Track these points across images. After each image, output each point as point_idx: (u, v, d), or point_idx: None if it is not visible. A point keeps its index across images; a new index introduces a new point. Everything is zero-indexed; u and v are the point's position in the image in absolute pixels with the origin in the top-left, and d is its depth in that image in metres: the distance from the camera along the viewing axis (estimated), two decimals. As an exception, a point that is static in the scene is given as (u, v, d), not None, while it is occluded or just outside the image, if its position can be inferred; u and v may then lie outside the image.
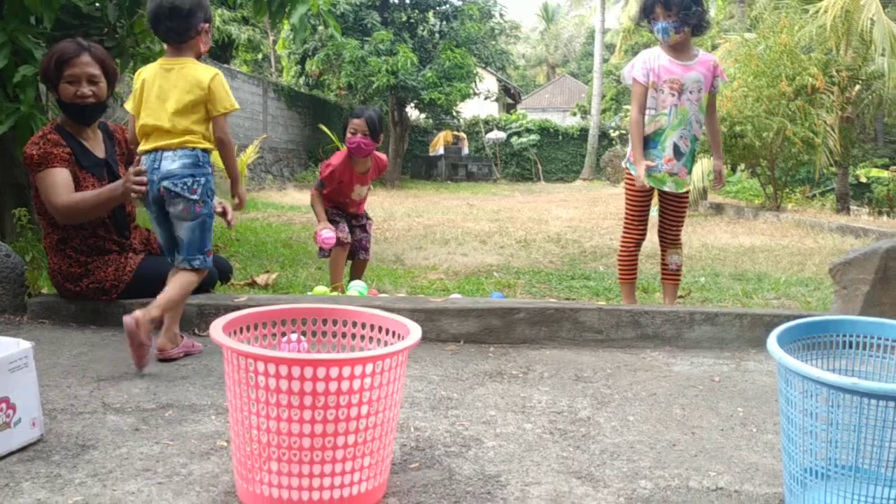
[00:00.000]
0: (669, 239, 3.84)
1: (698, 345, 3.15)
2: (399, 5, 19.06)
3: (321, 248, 4.08)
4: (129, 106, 2.78)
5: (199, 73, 2.69)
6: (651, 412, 2.36)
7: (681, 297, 4.10)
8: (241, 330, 1.85)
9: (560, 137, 27.61)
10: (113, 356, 2.79)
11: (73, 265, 3.15)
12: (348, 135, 4.00)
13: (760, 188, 12.34)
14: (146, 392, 2.41)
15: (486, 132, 26.75)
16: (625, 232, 3.85)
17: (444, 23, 19.79)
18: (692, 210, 12.31)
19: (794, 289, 4.67)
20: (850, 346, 1.87)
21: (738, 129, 10.07)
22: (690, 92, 3.61)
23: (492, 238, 7.57)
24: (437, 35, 19.74)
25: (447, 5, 19.57)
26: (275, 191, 15.13)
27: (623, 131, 23.79)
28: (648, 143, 3.69)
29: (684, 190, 3.74)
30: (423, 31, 19.61)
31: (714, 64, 3.69)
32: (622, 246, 3.86)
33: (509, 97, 36.06)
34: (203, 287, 3.14)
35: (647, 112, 3.68)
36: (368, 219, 4.37)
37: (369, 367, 1.60)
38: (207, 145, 2.75)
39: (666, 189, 3.70)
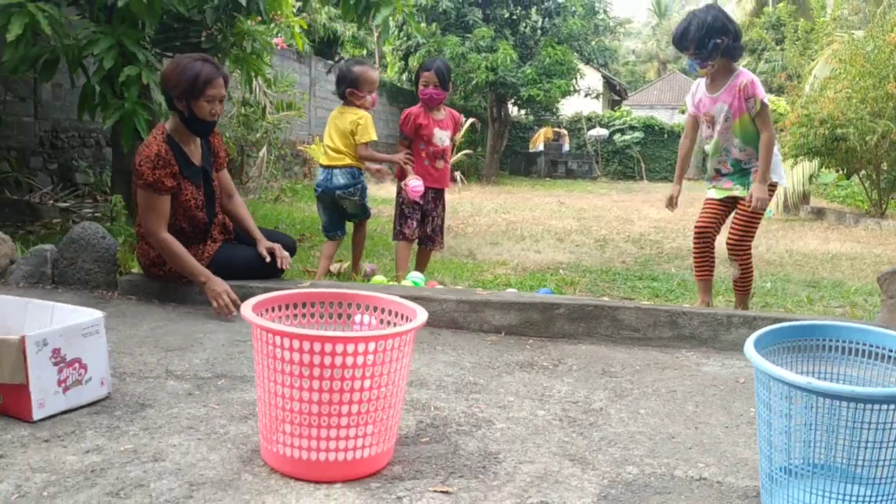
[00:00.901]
0: (728, 244, 3.88)
1: (734, 347, 3.20)
2: (501, 2, 19.14)
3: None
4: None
5: (351, 116, 4.27)
6: (663, 407, 2.47)
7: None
8: (272, 309, 2.10)
9: (665, 135, 27.00)
10: (185, 330, 3.12)
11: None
12: (420, 87, 4.31)
13: (866, 194, 11.82)
14: (205, 363, 2.71)
15: (588, 129, 26.52)
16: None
17: (547, 19, 19.77)
18: (792, 214, 11.92)
19: (863, 298, 4.58)
20: (841, 352, 1.93)
21: (839, 131, 9.70)
22: (718, 123, 3.74)
23: (570, 236, 7.65)
24: (538, 32, 19.76)
25: (550, 1, 19.51)
26: (372, 184, 15.48)
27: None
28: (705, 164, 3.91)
29: (724, 196, 3.85)
30: (525, 27, 19.67)
31: (741, 86, 3.60)
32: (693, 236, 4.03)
33: (614, 93, 35.58)
34: (290, 251, 3.84)
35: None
36: (444, 209, 4.50)
37: (371, 346, 1.81)
38: (360, 164, 4.33)
39: (710, 196, 3.83)
